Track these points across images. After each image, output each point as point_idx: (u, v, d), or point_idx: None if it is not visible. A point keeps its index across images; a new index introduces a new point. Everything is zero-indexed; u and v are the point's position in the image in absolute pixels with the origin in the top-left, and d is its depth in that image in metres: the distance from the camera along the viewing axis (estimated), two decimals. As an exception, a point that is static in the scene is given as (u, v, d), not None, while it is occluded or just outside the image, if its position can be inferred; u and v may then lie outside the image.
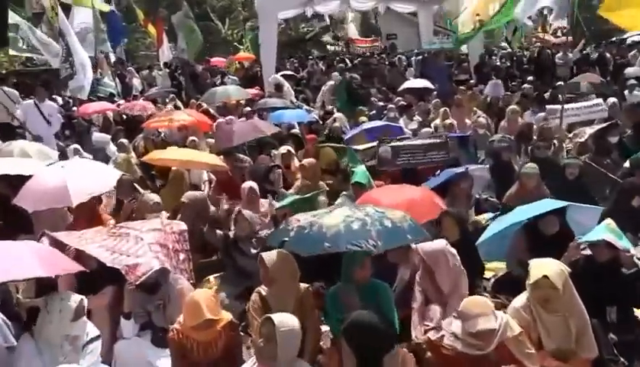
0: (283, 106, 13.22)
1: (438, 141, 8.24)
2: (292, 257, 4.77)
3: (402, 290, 5.30)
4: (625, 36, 21.04)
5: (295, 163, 9.40)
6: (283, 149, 9.42)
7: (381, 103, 14.85)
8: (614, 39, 21.84)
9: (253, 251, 6.10)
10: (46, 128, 10.98)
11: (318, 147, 9.86)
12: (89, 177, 6.57)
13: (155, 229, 5.59)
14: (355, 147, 9.34)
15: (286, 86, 15.29)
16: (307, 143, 10.68)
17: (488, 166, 8.64)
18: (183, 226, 5.86)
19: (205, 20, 35.76)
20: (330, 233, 4.39)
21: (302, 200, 6.91)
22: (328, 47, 35.84)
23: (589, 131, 9.74)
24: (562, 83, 16.50)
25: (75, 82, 12.14)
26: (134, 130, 14.03)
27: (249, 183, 7.30)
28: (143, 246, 5.15)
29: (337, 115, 12.96)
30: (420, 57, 21.75)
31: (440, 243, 5.06)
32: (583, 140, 9.58)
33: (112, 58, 19.25)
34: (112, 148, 11.79)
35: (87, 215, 6.75)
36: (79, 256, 5.07)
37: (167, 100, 18.21)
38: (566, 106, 10.99)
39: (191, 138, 11.38)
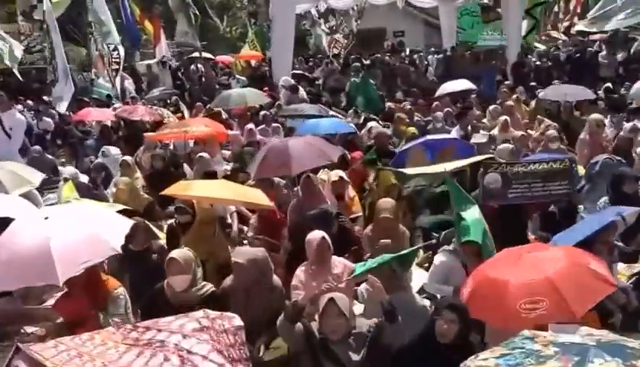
0: (317, 113, 10.85)
1: (560, 166, 5.94)
2: None
3: None
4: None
5: (350, 193, 7.12)
6: (334, 175, 7.04)
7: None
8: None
9: (355, 357, 3.80)
10: (6, 142, 8.73)
11: (378, 169, 7.59)
12: (84, 237, 4.24)
13: (201, 328, 3.26)
14: (422, 170, 7.08)
15: (301, 89, 12.96)
16: (352, 162, 8.43)
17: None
18: (237, 321, 3.52)
19: (202, 16, 33.21)
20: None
21: (395, 260, 4.65)
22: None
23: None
24: (609, 85, 14.42)
25: (56, 92, 9.85)
26: (135, 140, 11.70)
27: (319, 234, 4.99)
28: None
29: (372, 124, 10.65)
30: (441, 56, 19.46)
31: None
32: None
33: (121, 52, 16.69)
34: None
35: (82, 279, 4.44)
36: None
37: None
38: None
39: (202, 154, 9.13)
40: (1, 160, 7.88)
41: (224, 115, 13.90)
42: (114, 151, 9.35)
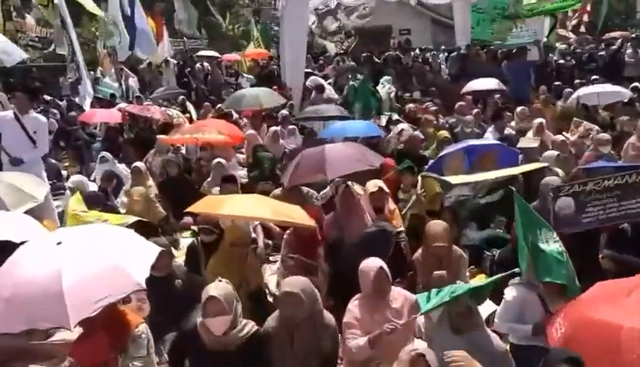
0: (339, 114, 9.99)
1: (636, 180, 5.13)
2: None
3: None
4: None
5: (390, 205, 6.33)
6: (373, 186, 6.21)
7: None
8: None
9: None
10: (31, 148, 7.51)
11: (422, 177, 6.79)
12: (103, 269, 3.45)
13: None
14: (468, 179, 6.30)
15: (328, 88, 12.05)
16: (384, 170, 7.64)
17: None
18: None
19: (204, 14, 32.38)
20: None
21: (469, 294, 3.89)
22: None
23: None
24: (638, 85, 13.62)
25: (82, 91, 9.09)
26: (143, 142, 10.92)
27: (376, 263, 4.18)
28: None
29: (403, 126, 9.84)
30: (454, 54, 18.60)
31: None
32: None
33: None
34: (125, 172, 8.68)
35: (101, 318, 3.65)
36: None
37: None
38: None
39: (217, 160, 8.35)
40: (25, 168, 7.09)
41: (235, 116, 13.15)
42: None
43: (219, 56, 20.91)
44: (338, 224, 5.83)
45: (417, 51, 20.77)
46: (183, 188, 8.07)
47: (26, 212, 6.06)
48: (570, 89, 12.90)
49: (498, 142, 7.65)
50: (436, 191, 6.32)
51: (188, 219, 7.88)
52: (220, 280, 3.88)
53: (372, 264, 4.14)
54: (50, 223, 6.92)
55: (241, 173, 8.93)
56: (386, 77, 13.96)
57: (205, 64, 19.72)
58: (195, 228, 7.79)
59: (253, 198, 5.18)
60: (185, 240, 7.31)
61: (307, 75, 16.77)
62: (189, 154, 9.80)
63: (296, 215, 5.04)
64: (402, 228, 6.21)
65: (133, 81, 18.04)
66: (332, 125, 9.43)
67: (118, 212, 7.14)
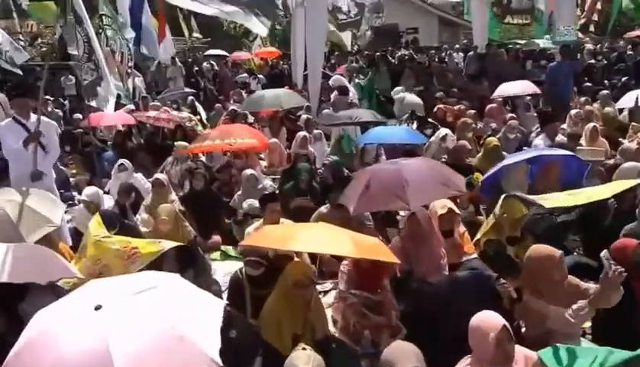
0: (375, 120, 9.00)
1: None
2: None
3: None
4: None
5: (460, 228, 5.42)
6: (441, 207, 5.26)
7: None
8: None
9: None
10: (40, 156, 6.35)
11: (505, 197, 5.82)
12: (164, 345, 2.54)
13: None
14: (558, 203, 5.35)
15: (352, 90, 11.08)
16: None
17: None
18: None
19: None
20: None
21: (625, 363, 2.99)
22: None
23: None
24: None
25: (101, 92, 8.13)
26: (157, 148, 9.97)
27: (497, 322, 3.18)
28: None
29: (446, 131, 8.88)
30: (471, 53, 17.70)
31: None
32: None
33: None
34: (142, 181, 7.71)
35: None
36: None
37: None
38: None
39: (249, 172, 7.43)
40: (36, 182, 6.11)
41: (250, 118, 12.22)
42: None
43: (227, 54, 19.87)
44: (405, 254, 4.92)
45: (432, 51, 19.75)
46: (210, 202, 7.14)
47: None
48: (606, 91, 12.06)
49: (567, 151, 6.72)
50: (522, 214, 5.37)
51: (216, 238, 6.97)
52: (304, 349, 2.97)
53: (491, 322, 3.21)
54: (65, 247, 6.01)
55: (267, 184, 8.00)
56: (397, 88, 13.00)
57: (212, 63, 18.77)
58: (224, 248, 6.91)
59: (324, 228, 4.20)
60: (217, 264, 6.39)
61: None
62: (211, 162, 8.83)
63: (381, 250, 4.11)
64: (475, 255, 5.33)
65: (139, 80, 17.01)
66: (370, 132, 8.47)
67: (141, 234, 6.19)
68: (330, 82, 11.88)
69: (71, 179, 9.67)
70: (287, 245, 3.96)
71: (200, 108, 14.48)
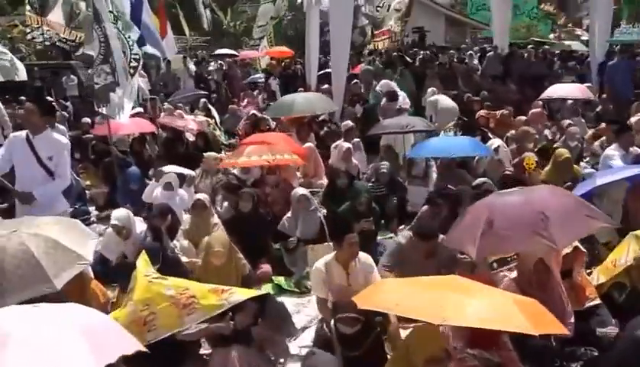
0: (428, 128, 7.98)
1: None
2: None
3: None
4: None
5: (579, 267, 4.48)
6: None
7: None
8: None
9: None
10: (44, 179, 5.25)
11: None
12: None
13: None
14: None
15: (402, 95, 10.02)
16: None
17: None
18: None
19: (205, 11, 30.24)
20: None
21: None
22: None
23: None
24: None
25: (114, 99, 7.10)
26: (180, 159, 8.93)
27: None
28: None
29: (499, 142, 7.90)
30: (491, 54, 16.76)
31: None
32: None
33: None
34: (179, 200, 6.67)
35: None
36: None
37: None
38: None
39: (300, 191, 6.44)
40: (43, 211, 4.98)
41: (272, 124, 11.21)
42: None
43: (237, 54, 18.81)
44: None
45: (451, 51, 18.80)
46: (258, 226, 6.14)
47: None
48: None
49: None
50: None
51: (266, 268, 5.98)
52: None
53: None
54: (97, 285, 5.02)
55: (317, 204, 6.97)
56: (430, 90, 11.96)
57: (220, 62, 17.70)
58: (277, 280, 5.93)
59: (465, 287, 3.16)
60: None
61: (327, 75, 14.85)
62: (244, 175, 7.81)
63: (548, 318, 3.12)
64: (599, 301, 4.39)
65: (143, 81, 15.93)
66: (427, 143, 7.47)
67: (186, 270, 5.22)
68: (377, 87, 10.87)
69: (87, 191, 8.68)
70: (444, 318, 2.92)
71: (214, 111, 13.46)
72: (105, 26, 7.34)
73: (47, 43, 18.54)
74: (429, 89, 11.64)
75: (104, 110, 7.97)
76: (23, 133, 5.49)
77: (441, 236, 5.02)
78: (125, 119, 8.02)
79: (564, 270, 4.39)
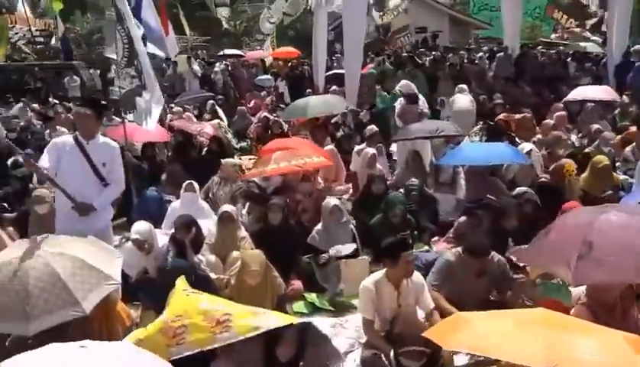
0: (458, 133, 7.57)
1: None
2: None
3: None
4: None
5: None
6: None
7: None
8: None
9: None
10: (97, 187, 4.89)
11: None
12: None
13: None
14: None
15: (422, 98, 9.61)
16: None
17: None
18: None
19: (204, 10, 29.81)
20: None
21: None
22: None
23: None
24: None
25: (140, 104, 6.68)
26: (195, 164, 8.54)
27: None
28: None
29: (530, 147, 7.52)
30: (501, 54, 16.40)
31: None
32: None
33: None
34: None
35: None
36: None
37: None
38: None
39: (332, 202, 6.08)
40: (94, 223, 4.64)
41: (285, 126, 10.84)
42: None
43: (243, 54, 18.39)
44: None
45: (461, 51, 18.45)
46: (288, 239, 5.75)
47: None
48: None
49: None
50: None
51: (297, 285, 5.56)
52: None
53: None
54: (123, 307, 4.62)
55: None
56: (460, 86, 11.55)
57: (226, 63, 17.28)
58: (310, 298, 5.52)
59: (544, 320, 2.73)
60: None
61: (336, 76, 14.48)
62: (264, 182, 7.41)
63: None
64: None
65: (148, 82, 15.55)
66: (460, 150, 7.06)
67: (217, 288, 4.83)
68: (397, 87, 10.49)
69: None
70: (554, 361, 2.52)
71: (222, 113, 13.04)
72: (129, 27, 6.94)
73: (22, 41, 18.17)
74: (460, 85, 11.25)
75: (130, 116, 7.54)
76: (69, 138, 5.08)
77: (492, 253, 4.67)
78: (152, 126, 7.56)
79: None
